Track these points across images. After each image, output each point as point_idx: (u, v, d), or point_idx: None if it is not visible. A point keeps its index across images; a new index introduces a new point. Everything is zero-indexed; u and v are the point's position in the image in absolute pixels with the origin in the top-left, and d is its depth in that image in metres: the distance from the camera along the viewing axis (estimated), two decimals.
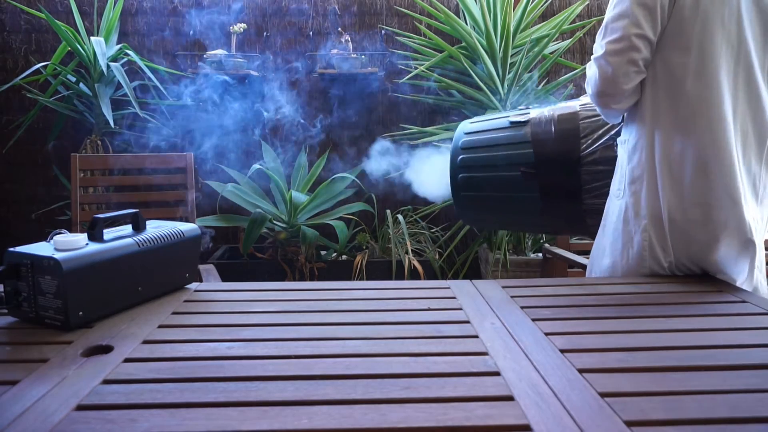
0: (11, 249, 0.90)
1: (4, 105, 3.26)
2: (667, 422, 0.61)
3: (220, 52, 3.09)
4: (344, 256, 3.14)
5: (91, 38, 2.84)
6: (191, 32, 3.27)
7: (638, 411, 0.63)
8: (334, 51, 3.16)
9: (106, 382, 0.70)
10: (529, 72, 3.02)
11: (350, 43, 3.19)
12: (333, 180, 3.10)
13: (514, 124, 1.73)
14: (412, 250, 2.99)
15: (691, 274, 1.25)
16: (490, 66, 2.90)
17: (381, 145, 3.15)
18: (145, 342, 0.84)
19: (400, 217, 3.11)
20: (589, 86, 1.29)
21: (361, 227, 3.29)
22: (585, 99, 1.68)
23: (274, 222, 3.01)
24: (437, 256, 3.12)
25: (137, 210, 1.06)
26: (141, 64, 2.94)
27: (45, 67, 2.99)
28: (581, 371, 0.73)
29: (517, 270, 2.86)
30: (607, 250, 1.35)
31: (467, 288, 1.14)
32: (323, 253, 3.17)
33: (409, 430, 0.59)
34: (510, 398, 0.66)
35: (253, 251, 3.05)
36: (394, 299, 1.06)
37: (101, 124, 3.03)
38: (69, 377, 0.72)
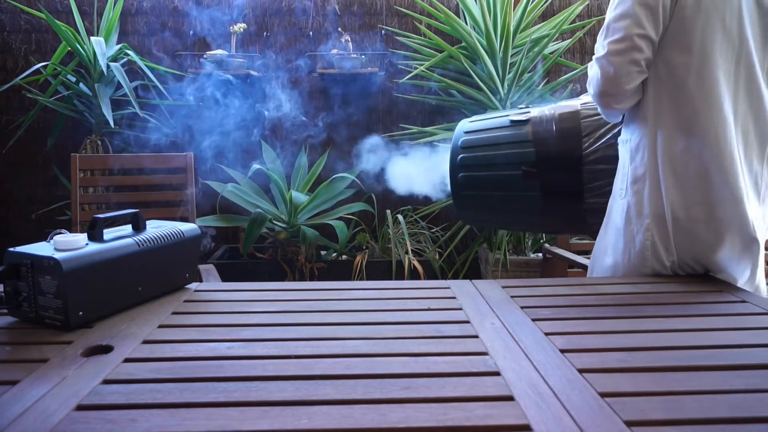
0: (11, 249, 0.90)
1: (4, 105, 3.26)
2: (667, 422, 0.61)
3: (220, 52, 3.09)
4: (344, 256, 3.14)
5: (91, 38, 2.84)
6: (191, 32, 3.27)
7: (638, 411, 0.63)
8: (334, 51, 3.16)
9: (106, 382, 0.70)
10: (529, 72, 3.02)
11: (350, 43, 3.19)
12: (333, 180, 3.10)
13: (515, 123, 1.73)
14: (412, 250, 2.99)
15: (693, 273, 1.25)
16: (490, 66, 2.90)
17: (380, 144, 3.15)
18: (145, 342, 0.84)
19: (400, 217, 3.11)
20: (591, 86, 1.29)
21: (361, 227, 3.29)
22: (586, 98, 1.68)
23: (274, 222, 3.01)
24: (437, 256, 3.12)
25: (137, 210, 1.06)
26: (141, 64, 2.94)
27: (45, 67, 2.99)
28: (581, 371, 0.73)
29: (517, 270, 2.86)
30: (609, 249, 1.35)
31: (467, 288, 1.14)
32: (323, 253, 3.17)
33: (409, 430, 0.59)
34: (510, 398, 0.66)
35: (253, 251, 3.05)
36: (394, 299, 1.06)
37: (101, 124, 3.03)
38: (69, 377, 0.71)
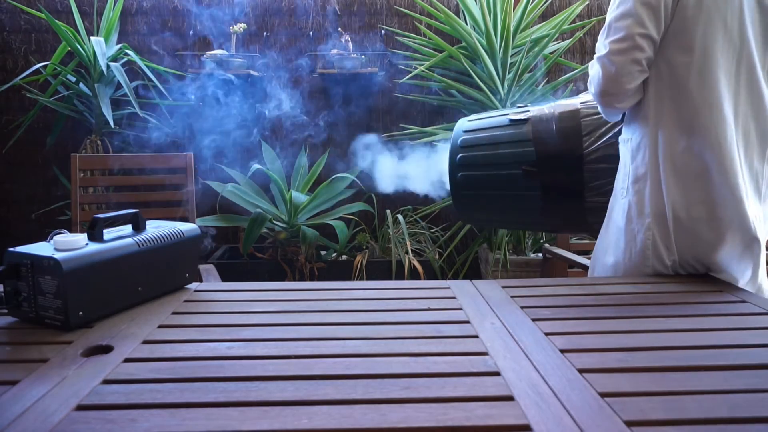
0: (11, 249, 0.90)
1: (4, 105, 3.26)
2: (667, 422, 0.61)
3: (220, 51, 3.09)
4: (344, 256, 3.14)
5: (91, 38, 2.84)
6: (191, 32, 3.27)
7: (638, 411, 0.63)
8: (335, 51, 3.16)
9: (106, 382, 0.70)
10: (529, 72, 3.02)
11: (350, 43, 3.19)
12: (333, 180, 3.09)
13: (514, 122, 1.73)
14: (412, 250, 2.99)
15: (694, 272, 1.25)
16: (490, 66, 2.90)
17: (381, 144, 3.15)
18: (145, 342, 0.84)
19: (400, 217, 3.11)
20: (592, 85, 1.29)
21: (361, 227, 3.29)
22: (585, 96, 1.68)
23: (274, 222, 3.01)
24: (437, 256, 3.12)
25: (137, 210, 1.06)
26: (141, 63, 2.94)
27: (45, 67, 2.99)
28: (581, 371, 0.73)
29: (517, 270, 2.86)
30: (610, 248, 1.35)
31: (467, 288, 1.14)
32: (323, 253, 3.17)
33: (409, 430, 0.59)
34: (510, 398, 0.66)
35: (253, 251, 3.04)
36: (394, 299, 1.06)
37: (101, 124, 3.03)
38: (69, 377, 0.71)
